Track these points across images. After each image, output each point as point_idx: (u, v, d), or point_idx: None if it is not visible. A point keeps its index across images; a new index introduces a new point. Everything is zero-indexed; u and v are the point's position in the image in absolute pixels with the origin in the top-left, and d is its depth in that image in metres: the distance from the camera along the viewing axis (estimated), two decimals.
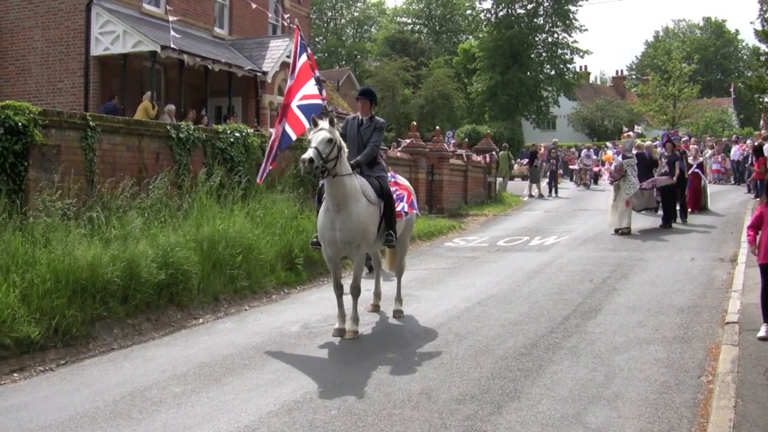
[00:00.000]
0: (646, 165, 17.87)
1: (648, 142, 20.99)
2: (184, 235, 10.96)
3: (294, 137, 10.24)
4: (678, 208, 18.88)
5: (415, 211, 10.19)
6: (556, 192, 30.09)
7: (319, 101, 9.97)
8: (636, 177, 17.28)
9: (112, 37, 20.67)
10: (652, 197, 18.15)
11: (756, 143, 20.16)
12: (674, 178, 17.84)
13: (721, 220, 19.27)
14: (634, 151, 18.30)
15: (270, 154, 10.31)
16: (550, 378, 7.07)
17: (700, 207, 20.75)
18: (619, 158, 17.45)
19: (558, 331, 8.81)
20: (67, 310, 8.47)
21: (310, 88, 10.01)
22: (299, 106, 9.89)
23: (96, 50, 20.85)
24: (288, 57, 24.00)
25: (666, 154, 18.60)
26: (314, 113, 9.66)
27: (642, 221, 18.16)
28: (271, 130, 10.33)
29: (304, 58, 10.19)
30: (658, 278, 11.89)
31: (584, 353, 7.87)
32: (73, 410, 6.50)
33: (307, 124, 9.60)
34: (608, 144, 33.21)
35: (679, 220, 18.63)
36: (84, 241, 9.43)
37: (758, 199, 21.33)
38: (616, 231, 17.25)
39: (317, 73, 10.87)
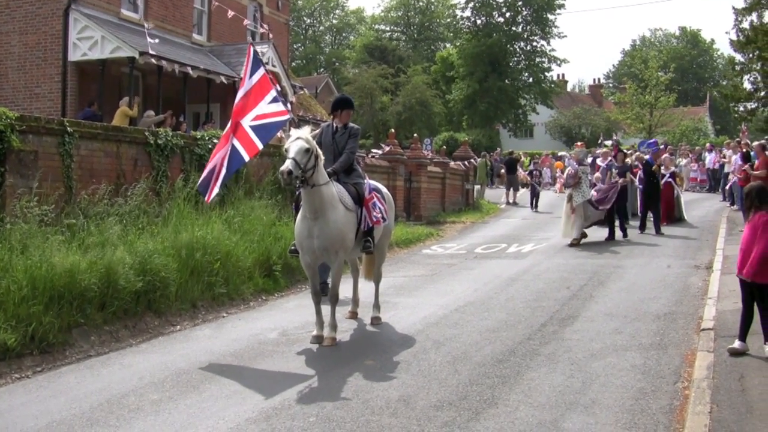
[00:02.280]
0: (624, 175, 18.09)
1: (630, 151, 21.10)
2: (162, 242, 10.91)
3: (247, 158, 9.40)
4: (652, 219, 18.97)
5: (387, 221, 10.04)
6: (536, 206, 29.38)
7: (284, 117, 9.44)
8: (588, 187, 17.28)
9: (90, 42, 20.62)
10: (602, 211, 17.89)
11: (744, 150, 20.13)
12: (625, 181, 18.04)
13: (696, 228, 19.42)
14: (624, 162, 18.45)
15: (219, 171, 9.40)
16: (527, 384, 7.11)
17: (673, 218, 20.55)
18: (576, 164, 17.40)
19: (535, 338, 8.86)
20: (43, 317, 8.39)
21: (265, 107, 9.35)
22: (252, 127, 9.20)
23: (74, 56, 20.80)
24: (266, 63, 24.02)
25: (616, 164, 18.67)
26: (278, 129, 9.41)
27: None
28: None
29: (260, 73, 9.50)
30: (634, 285, 11.98)
31: (561, 360, 7.92)
32: (50, 418, 6.46)
33: (261, 146, 9.25)
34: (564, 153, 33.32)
35: (655, 231, 18.65)
36: (62, 247, 9.36)
37: (733, 207, 21.58)
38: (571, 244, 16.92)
39: (278, 87, 10.26)
